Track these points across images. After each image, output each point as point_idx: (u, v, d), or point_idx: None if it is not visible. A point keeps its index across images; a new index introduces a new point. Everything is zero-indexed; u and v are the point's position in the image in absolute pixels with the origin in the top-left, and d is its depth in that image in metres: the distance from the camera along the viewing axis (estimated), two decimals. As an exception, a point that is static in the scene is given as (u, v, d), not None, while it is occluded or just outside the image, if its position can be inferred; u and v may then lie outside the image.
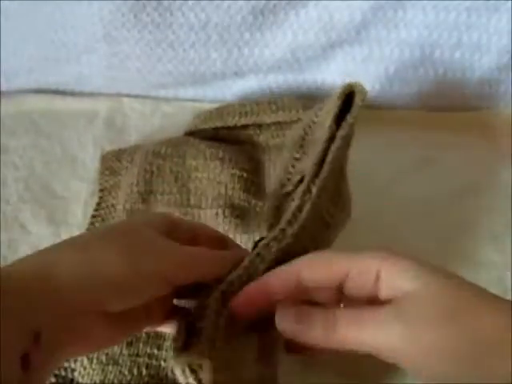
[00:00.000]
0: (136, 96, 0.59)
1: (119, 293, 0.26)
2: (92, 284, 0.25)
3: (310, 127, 0.39)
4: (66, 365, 0.38)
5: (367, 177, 0.44)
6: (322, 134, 0.35)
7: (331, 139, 0.34)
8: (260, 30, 0.52)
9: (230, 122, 0.50)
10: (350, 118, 0.34)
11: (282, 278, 0.29)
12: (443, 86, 0.54)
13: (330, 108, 0.36)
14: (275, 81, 0.57)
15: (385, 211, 0.46)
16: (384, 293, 0.27)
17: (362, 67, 0.54)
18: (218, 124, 0.50)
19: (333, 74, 0.55)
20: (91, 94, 0.60)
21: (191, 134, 0.52)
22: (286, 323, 0.28)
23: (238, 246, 0.36)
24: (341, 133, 0.34)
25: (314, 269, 0.28)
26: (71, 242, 0.27)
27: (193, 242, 0.32)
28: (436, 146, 0.52)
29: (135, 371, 0.38)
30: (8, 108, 0.58)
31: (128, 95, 0.59)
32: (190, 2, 0.50)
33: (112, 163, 0.50)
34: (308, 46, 0.53)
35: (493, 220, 0.46)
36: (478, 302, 0.25)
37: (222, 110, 0.51)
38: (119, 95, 0.60)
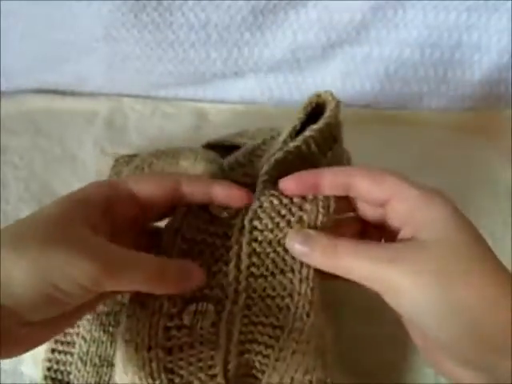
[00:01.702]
0: (136, 96, 0.59)
1: (37, 308, 0.25)
2: (6, 300, 0.24)
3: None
4: (61, 367, 0.38)
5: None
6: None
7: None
8: (260, 30, 0.52)
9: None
10: (317, 125, 0.33)
11: (335, 174, 0.31)
12: (443, 86, 0.54)
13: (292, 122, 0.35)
14: (275, 81, 0.57)
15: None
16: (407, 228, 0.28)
17: (362, 67, 0.54)
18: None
19: (333, 74, 0.55)
20: (91, 94, 0.60)
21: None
22: (292, 243, 0.30)
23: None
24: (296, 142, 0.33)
25: (364, 179, 0.30)
26: None
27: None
28: (436, 147, 0.52)
29: None
30: (8, 108, 0.58)
31: (128, 95, 0.59)
32: (189, 2, 0.50)
33: (122, 167, 0.50)
34: (308, 46, 0.53)
35: (493, 220, 0.46)
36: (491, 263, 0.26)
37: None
38: (119, 95, 0.60)
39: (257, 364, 0.30)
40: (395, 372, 0.39)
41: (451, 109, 0.56)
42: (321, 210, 0.31)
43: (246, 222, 0.32)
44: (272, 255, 0.32)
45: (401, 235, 0.29)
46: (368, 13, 0.50)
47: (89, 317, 0.39)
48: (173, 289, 0.29)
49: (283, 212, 0.32)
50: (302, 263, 0.31)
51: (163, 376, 0.29)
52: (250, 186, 0.33)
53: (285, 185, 0.31)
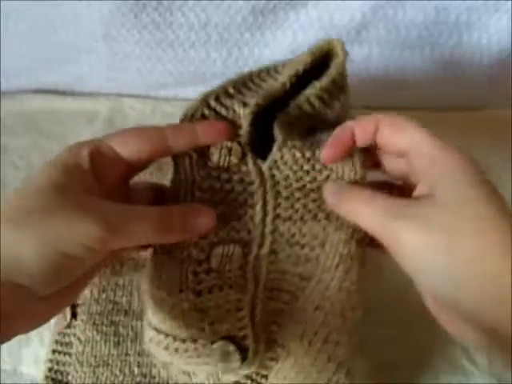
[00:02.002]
0: (136, 96, 0.59)
1: (48, 281, 0.25)
2: (16, 277, 0.24)
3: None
4: (61, 368, 0.38)
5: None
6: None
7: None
8: (260, 30, 0.52)
9: None
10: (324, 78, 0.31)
11: (363, 127, 0.30)
12: (443, 85, 0.54)
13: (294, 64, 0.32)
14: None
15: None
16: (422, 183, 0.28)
17: (362, 67, 0.54)
18: None
19: (333, 74, 0.55)
20: (91, 94, 0.60)
21: None
22: (326, 193, 0.31)
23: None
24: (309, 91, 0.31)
25: (386, 126, 0.29)
26: None
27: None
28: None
29: (127, 371, 0.38)
30: (8, 108, 0.58)
31: (128, 95, 0.59)
32: (190, 2, 0.49)
33: None
34: (308, 46, 0.52)
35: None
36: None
37: None
38: (119, 95, 0.60)
39: (280, 310, 0.31)
40: (395, 372, 0.39)
41: (451, 108, 0.56)
42: (346, 167, 0.31)
43: (265, 169, 0.32)
44: (303, 201, 0.31)
45: (417, 191, 0.28)
46: (368, 13, 0.49)
47: (83, 317, 0.39)
48: (182, 233, 0.29)
49: (306, 167, 0.31)
50: None
51: (194, 314, 0.30)
52: (226, 118, 0.32)
53: (326, 156, 0.31)
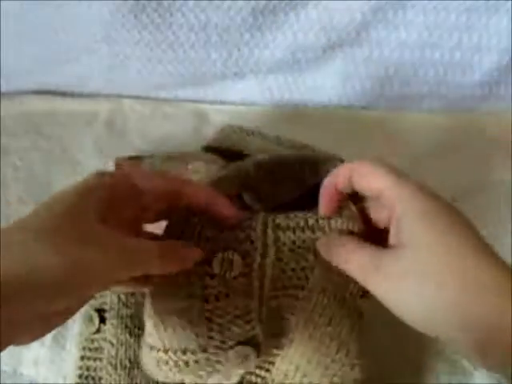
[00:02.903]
0: (136, 97, 0.59)
1: (63, 295, 0.25)
2: (33, 291, 0.23)
3: None
4: (92, 373, 0.38)
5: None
6: None
7: None
8: (260, 31, 0.52)
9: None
10: None
11: (338, 177, 0.31)
12: (443, 87, 0.54)
13: None
14: (275, 81, 0.57)
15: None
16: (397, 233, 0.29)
17: (362, 68, 0.54)
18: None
19: (333, 75, 0.55)
20: (91, 95, 0.60)
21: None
22: (318, 245, 0.32)
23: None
24: None
25: (360, 174, 0.30)
26: (7, 244, 0.24)
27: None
28: (436, 147, 0.52)
29: None
30: (8, 109, 0.58)
31: (128, 96, 0.60)
32: (190, 3, 0.50)
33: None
34: (308, 47, 0.53)
35: (493, 220, 0.46)
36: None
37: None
38: (119, 96, 0.60)
39: (286, 305, 0.33)
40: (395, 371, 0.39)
41: (451, 110, 0.56)
42: (345, 222, 0.32)
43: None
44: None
45: (390, 237, 0.30)
46: (368, 13, 0.49)
47: (113, 321, 0.39)
48: (177, 268, 0.30)
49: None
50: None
51: (202, 323, 0.31)
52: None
53: (322, 211, 0.33)
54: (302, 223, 0.32)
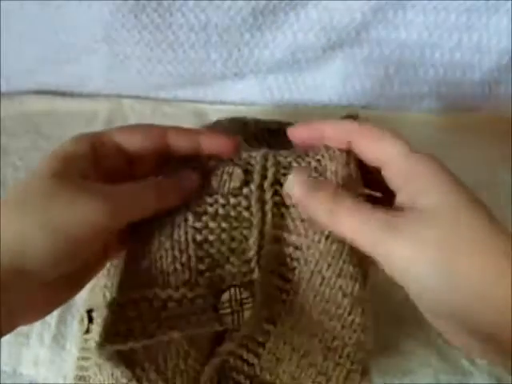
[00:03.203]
0: (136, 97, 0.59)
1: (51, 264, 0.25)
2: (19, 261, 0.23)
3: None
4: (85, 373, 0.38)
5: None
6: None
7: None
8: (260, 31, 0.52)
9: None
10: None
11: (335, 130, 0.30)
12: (443, 86, 0.54)
13: None
14: (275, 82, 0.57)
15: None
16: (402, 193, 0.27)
17: (362, 68, 0.54)
18: None
19: (333, 75, 0.55)
20: (91, 95, 0.60)
21: None
22: (297, 186, 0.29)
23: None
24: None
25: (363, 138, 0.29)
26: None
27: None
28: (436, 147, 0.52)
29: None
30: (8, 109, 0.58)
31: (128, 96, 0.60)
32: (189, 3, 0.49)
33: None
34: (308, 47, 0.53)
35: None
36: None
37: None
38: (119, 96, 0.60)
39: (289, 256, 0.29)
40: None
41: (451, 110, 0.56)
42: (340, 163, 0.30)
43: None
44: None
45: (397, 201, 0.28)
46: (368, 13, 0.49)
47: (99, 320, 0.38)
48: (179, 196, 0.30)
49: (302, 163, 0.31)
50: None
51: (192, 248, 0.28)
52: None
53: (294, 131, 0.31)
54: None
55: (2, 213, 0.24)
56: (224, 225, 0.29)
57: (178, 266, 0.27)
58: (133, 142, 0.30)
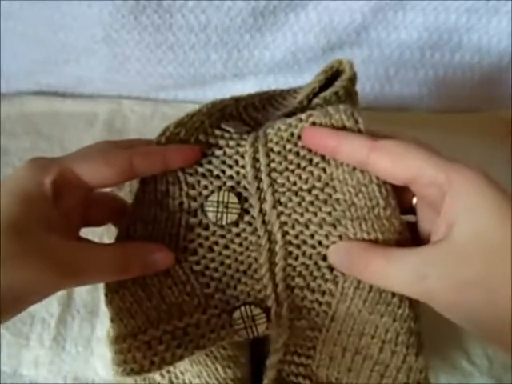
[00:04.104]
0: (136, 98, 0.60)
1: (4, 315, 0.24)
2: None
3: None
4: None
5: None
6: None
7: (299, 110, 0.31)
8: (260, 32, 0.52)
9: None
10: (329, 92, 0.31)
11: (353, 147, 0.28)
12: (443, 87, 0.54)
13: (310, 84, 0.33)
14: (275, 82, 0.57)
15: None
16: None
17: (362, 69, 0.54)
18: None
19: (333, 76, 0.55)
20: (91, 96, 0.60)
21: None
22: (332, 257, 0.29)
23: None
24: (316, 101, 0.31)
25: (387, 156, 0.27)
26: None
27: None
28: (436, 147, 0.52)
29: None
30: (8, 110, 0.58)
31: (128, 97, 0.60)
32: (189, 4, 0.50)
33: None
34: (308, 48, 0.53)
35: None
36: None
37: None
38: (119, 97, 0.60)
39: (311, 273, 0.29)
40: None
41: (451, 110, 0.56)
42: (344, 115, 0.29)
43: (260, 135, 0.30)
44: (295, 150, 0.30)
45: (434, 229, 0.26)
46: (368, 14, 0.50)
47: None
48: (139, 271, 0.28)
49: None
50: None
51: (194, 280, 0.29)
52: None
53: (308, 135, 0.29)
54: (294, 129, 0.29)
55: None
56: (226, 252, 0.30)
57: (186, 297, 0.28)
58: (96, 175, 0.28)
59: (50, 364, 0.42)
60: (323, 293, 0.29)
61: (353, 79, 0.33)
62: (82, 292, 0.44)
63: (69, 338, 0.43)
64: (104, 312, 0.44)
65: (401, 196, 0.29)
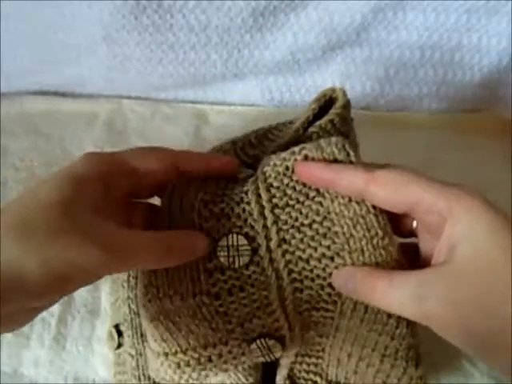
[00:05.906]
0: (136, 98, 0.60)
1: (45, 298, 0.25)
2: (15, 291, 0.23)
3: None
4: None
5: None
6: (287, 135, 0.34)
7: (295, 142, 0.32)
8: (260, 32, 0.52)
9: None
10: (324, 121, 0.32)
11: (350, 179, 0.28)
12: (443, 87, 0.54)
13: (304, 113, 0.34)
14: (275, 83, 0.57)
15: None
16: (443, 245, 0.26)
17: (362, 69, 0.54)
18: None
19: (333, 76, 0.55)
20: (91, 96, 0.60)
21: None
22: (336, 280, 0.30)
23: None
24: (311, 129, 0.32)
25: (383, 187, 0.27)
26: None
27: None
28: (436, 148, 0.52)
29: None
30: (8, 110, 0.58)
31: (128, 97, 0.60)
32: (190, 4, 0.50)
33: None
34: (308, 48, 0.53)
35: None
36: None
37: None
38: (119, 97, 0.60)
39: (315, 299, 0.31)
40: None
41: (451, 110, 0.56)
42: (335, 148, 0.30)
43: (259, 173, 0.32)
44: (292, 184, 0.31)
45: (435, 253, 0.27)
46: (368, 15, 0.50)
47: (129, 332, 0.38)
48: (181, 258, 0.29)
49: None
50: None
51: (218, 319, 0.30)
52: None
53: (301, 169, 0.30)
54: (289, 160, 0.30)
55: (3, 234, 0.24)
56: (242, 294, 0.31)
57: (210, 332, 0.30)
58: (147, 166, 0.30)
59: (50, 364, 0.42)
60: (326, 310, 0.31)
61: (347, 106, 0.33)
62: (82, 292, 0.44)
63: (69, 337, 0.43)
64: (104, 312, 0.44)
65: (401, 220, 0.30)
